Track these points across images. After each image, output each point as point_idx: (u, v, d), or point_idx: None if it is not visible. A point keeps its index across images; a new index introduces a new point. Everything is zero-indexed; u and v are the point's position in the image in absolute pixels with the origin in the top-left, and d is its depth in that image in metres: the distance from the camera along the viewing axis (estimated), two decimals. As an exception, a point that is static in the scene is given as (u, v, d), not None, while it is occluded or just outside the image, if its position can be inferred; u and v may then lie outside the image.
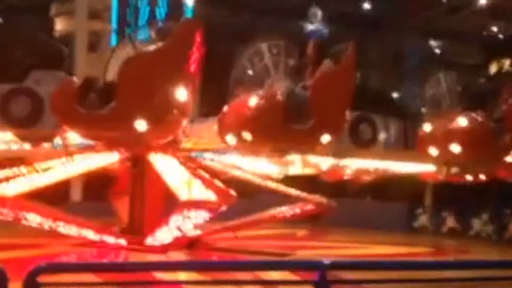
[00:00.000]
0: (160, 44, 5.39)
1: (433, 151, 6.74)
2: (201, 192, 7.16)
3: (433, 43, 25.76)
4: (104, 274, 2.82)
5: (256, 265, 2.74)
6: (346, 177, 12.45)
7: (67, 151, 9.68)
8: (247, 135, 5.44)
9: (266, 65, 6.01)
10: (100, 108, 5.32)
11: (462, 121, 6.50)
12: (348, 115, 6.78)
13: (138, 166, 9.48)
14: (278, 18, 20.35)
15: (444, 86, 7.60)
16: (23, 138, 6.58)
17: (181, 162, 8.78)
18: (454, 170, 9.31)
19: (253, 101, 5.38)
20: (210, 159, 10.63)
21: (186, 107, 5.50)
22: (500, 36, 24.99)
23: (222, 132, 5.85)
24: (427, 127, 6.97)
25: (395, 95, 21.32)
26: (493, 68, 20.76)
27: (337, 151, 6.83)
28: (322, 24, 22.76)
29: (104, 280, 2.76)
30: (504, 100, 6.95)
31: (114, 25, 12.72)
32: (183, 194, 7.17)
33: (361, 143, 6.80)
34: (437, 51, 24.01)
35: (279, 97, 5.41)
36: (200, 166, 10.59)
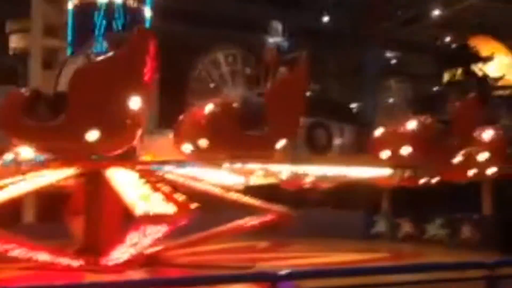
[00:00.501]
0: (112, 53, 5.37)
1: (385, 154, 6.92)
2: (159, 205, 7.05)
3: (389, 54, 26.48)
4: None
5: (211, 279, 2.71)
6: (305, 186, 12.58)
7: (19, 169, 9.44)
8: (203, 142, 5.45)
9: (223, 74, 6.05)
10: (50, 119, 5.22)
11: (411, 124, 6.71)
12: (304, 121, 6.91)
13: (93, 182, 9.33)
14: (237, 31, 20.52)
15: (397, 94, 7.84)
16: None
17: (139, 176, 8.68)
18: (407, 173, 9.56)
19: (209, 108, 5.40)
20: (170, 172, 10.56)
21: (140, 117, 5.46)
22: (453, 46, 25.85)
23: (178, 141, 5.85)
24: (379, 131, 7.17)
25: (353, 105, 21.73)
26: (446, 77, 21.44)
27: (294, 157, 6.91)
28: (282, 38, 23.15)
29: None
30: (452, 104, 7.21)
31: (69, 40, 12.54)
32: (140, 209, 7.04)
33: (317, 149, 6.91)
34: (394, 61, 24.66)
35: (235, 104, 5.46)
36: (159, 179, 10.50)
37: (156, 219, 7.24)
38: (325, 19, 25.16)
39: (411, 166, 7.39)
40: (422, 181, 11.14)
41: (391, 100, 7.26)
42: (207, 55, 6.03)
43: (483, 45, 24.04)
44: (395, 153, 6.89)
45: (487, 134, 7.82)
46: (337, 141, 7.08)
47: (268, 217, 10.36)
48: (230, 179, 12.14)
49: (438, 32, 26.31)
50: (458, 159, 7.39)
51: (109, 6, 10.27)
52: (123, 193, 7.65)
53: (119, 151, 5.80)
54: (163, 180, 10.76)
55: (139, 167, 9.48)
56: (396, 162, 6.99)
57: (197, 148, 5.59)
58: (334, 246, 11.79)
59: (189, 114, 5.71)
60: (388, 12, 25.26)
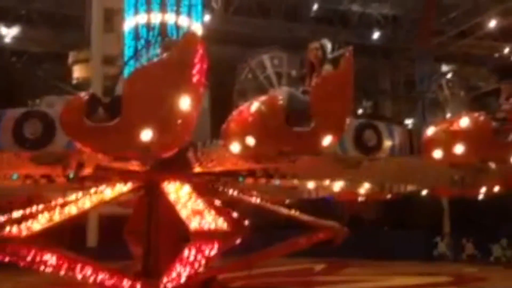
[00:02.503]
0: (162, 56, 5.64)
1: (438, 153, 6.78)
2: (213, 221, 7.10)
3: (445, 68, 25.95)
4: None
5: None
6: (361, 197, 12.40)
7: (81, 184, 9.90)
8: (250, 140, 5.57)
9: (269, 75, 6.20)
10: (108, 121, 5.52)
11: (464, 121, 6.56)
12: (352, 122, 6.90)
13: (150, 196, 9.61)
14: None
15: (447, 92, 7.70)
16: (37, 160, 6.81)
17: (193, 189, 8.87)
18: (466, 180, 9.26)
19: (255, 106, 5.54)
20: (223, 184, 10.71)
21: (191, 117, 5.67)
22: (512, 58, 25.03)
23: (226, 140, 6.00)
24: (430, 130, 7.04)
25: (407, 121, 21.37)
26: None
27: (343, 159, 6.89)
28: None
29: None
30: (507, 101, 7.01)
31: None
32: (194, 225, 7.11)
33: (366, 150, 6.88)
34: (449, 75, 24.13)
35: (280, 101, 5.57)
36: (213, 192, 10.67)
37: (210, 235, 7.34)
38: (376, 35, 25.08)
39: (468, 167, 7.18)
40: (483, 190, 10.75)
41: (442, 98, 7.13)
42: (253, 58, 6.22)
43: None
44: (448, 152, 6.73)
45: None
46: (387, 142, 7.00)
47: (322, 234, 10.28)
48: (282, 193, 12.19)
49: (495, 43, 25.64)
50: (516, 157, 7.12)
51: (162, 26, 10.75)
52: (178, 207, 7.84)
53: (173, 152, 6.02)
54: (217, 193, 10.95)
55: (193, 179, 9.71)
56: (449, 161, 6.82)
57: (245, 147, 5.72)
58: (393, 269, 11.49)
59: (236, 113, 5.87)
60: (441, 25, 24.87)
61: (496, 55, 25.92)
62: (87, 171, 8.95)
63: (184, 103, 5.49)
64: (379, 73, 26.43)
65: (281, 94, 5.81)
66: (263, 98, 5.60)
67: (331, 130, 5.65)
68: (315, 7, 24.11)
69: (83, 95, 5.68)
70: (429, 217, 19.51)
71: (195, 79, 5.60)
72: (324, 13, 24.44)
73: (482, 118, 6.70)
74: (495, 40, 25.71)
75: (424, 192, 21.94)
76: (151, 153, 5.82)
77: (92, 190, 9.76)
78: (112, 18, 20.13)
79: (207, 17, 21.51)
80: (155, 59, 5.83)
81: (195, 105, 5.63)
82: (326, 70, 6.01)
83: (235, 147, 5.85)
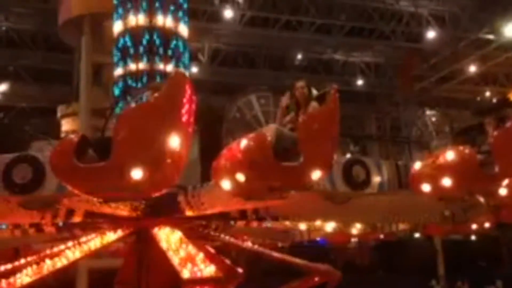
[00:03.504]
0: (151, 96, 5.75)
1: (426, 187, 6.88)
2: (205, 268, 7.05)
3: (429, 112, 26.51)
4: None
5: None
6: (354, 238, 12.34)
7: (71, 232, 9.78)
8: (240, 177, 5.62)
9: (256, 115, 6.35)
10: (98, 162, 5.55)
11: (450, 155, 6.69)
12: (340, 158, 7.02)
13: (142, 242, 9.50)
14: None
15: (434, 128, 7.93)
16: (27, 205, 6.77)
17: (184, 234, 8.80)
18: (457, 216, 9.32)
19: (243, 143, 5.62)
20: (215, 229, 10.63)
21: (180, 156, 5.72)
22: (493, 100, 25.70)
23: (217, 178, 6.04)
24: (417, 165, 7.16)
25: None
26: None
27: (333, 196, 6.95)
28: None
29: None
30: (491, 133, 7.19)
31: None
32: (186, 272, 7.05)
33: (355, 185, 6.96)
34: (433, 119, 24.59)
35: (268, 137, 5.66)
36: (204, 237, 10.56)
37: (203, 283, 7.25)
38: (360, 82, 25.67)
39: (457, 202, 7.26)
40: (474, 226, 10.77)
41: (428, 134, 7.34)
42: (241, 98, 6.40)
43: (524, 98, 23.79)
44: (436, 185, 6.82)
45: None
46: (375, 178, 7.10)
47: (316, 278, 10.17)
48: (275, 236, 12.11)
49: (476, 87, 26.35)
50: (504, 190, 7.22)
51: (150, 76, 10.96)
52: (169, 254, 7.77)
53: (163, 191, 6.02)
54: (209, 238, 10.83)
55: (184, 224, 9.63)
56: (438, 194, 6.90)
57: (235, 183, 5.75)
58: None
59: (225, 151, 5.94)
60: (423, 71, 25.57)
61: (478, 98, 26.61)
62: (76, 218, 8.88)
63: (174, 142, 5.55)
64: (365, 118, 26.92)
65: (268, 131, 5.92)
66: (251, 135, 5.69)
67: (319, 165, 5.72)
68: (299, 56, 24.80)
69: (73, 136, 5.73)
70: (423, 260, 19.37)
71: (184, 118, 5.69)
72: (308, 62, 25.11)
73: (467, 151, 6.84)
74: (476, 85, 26.46)
75: (417, 235, 21.88)
76: (141, 193, 5.83)
77: (82, 239, 9.64)
78: (100, 71, 20.45)
79: (194, 69, 21.97)
80: (144, 99, 5.94)
81: (184, 144, 5.69)
82: (313, 107, 6.16)
83: (226, 184, 5.88)
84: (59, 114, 23.78)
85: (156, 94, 5.60)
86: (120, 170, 5.46)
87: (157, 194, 6.21)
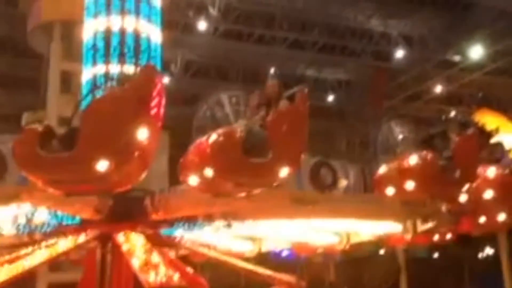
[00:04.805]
0: (120, 88, 5.71)
1: (390, 190, 7.03)
2: (168, 276, 6.95)
3: (397, 129, 27.09)
4: None
5: None
6: (318, 250, 12.37)
7: (32, 237, 9.50)
8: (208, 172, 5.60)
9: (227, 114, 6.38)
10: (63, 152, 5.45)
11: (413, 159, 6.89)
12: (307, 160, 7.09)
13: (107, 247, 9.30)
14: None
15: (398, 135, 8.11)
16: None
17: (148, 240, 8.67)
18: (419, 226, 9.50)
19: (212, 138, 5.62)
20: (181, 237, 10.50)
21: (149, 150, 5.67)
22: (459, 119, 26.32)
23: (184, 173, 6.01)
24: (382, 169, 7.31)
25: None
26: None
27: (301, 197, 7.00)
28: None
29: None
30: (453, 140, 7.42)
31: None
32: (150, 279, 6.95)
33: (322, 188, 7.04)
34: (401, 136, 25.11)
35: (238, 133, 5.68)
36: (169, 244, 10.41)
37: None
38: (330, 98, 25.98)
39: (420, 204, 7.41)
40: (436, 237, 10.96)
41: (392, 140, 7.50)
42: (212, 97, 6.43)
43: (488, 119, 24.50)
44: (399, 189, 6.97)
45: (492, 171, 7.90)
46: (343, 182, 7.20)
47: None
48: (241, 245, 12.06)
49: (441, 107, 26.95)
50: (464, 197, 7.43)
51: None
52: (132, 260, 7.64)
53: (130, 185, 5.94)
54: (173, 245, 10.68)
55: (149, 230, 9.48)
56: (401, 197, 7.04)
57: (203, 179, 5.73)
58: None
59: (194, 146, 5.93)
60: (391, 90, 26.07)
61: (443, 117, 27.25)
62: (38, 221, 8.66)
63: (142, 135, 5.51)
64: (336, 134, 27.23)
65: (238, 127, 5.95)
66: (220, 130, 5.70)
67: (287, 162, 5.76)
68: (272, 70, 24.97)
69: (38, 126, 5.62)
70: (388, 277, 19.59)
71: (153, 112, 5.66)
72: (281, 77, 25.30)
73: (429, 156, 7.02)
74: (442, 104, 27.12)
75: (382, 251, 22.05)
76: (107, 186, 5.74)
77: (43, 244, 9.38)
78: (69, 79, 20.12)
79: (165, 79, 21.89)
80: (112, 90, 5.90)
81: (153, 138, 5.66)
82: (283, 105, 6.23)
83: (193, 180, 5.86)
84: (24, 121, 23.19)
85: (125, 86, 5.57)
86: (85, 161, 5.38)
87: (123, 189, 6.14)
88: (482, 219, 9.14)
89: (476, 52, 23.19)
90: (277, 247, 12.51)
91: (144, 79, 5.64)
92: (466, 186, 7.08)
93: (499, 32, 21.98)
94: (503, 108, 26.90)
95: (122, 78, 6.24)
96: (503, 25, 21.69)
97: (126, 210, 8.84)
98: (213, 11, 21.32)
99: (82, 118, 5.47)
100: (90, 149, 5.44)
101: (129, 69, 10.48)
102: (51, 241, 9.20)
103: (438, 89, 26.14)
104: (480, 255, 24.48)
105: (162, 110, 5.83)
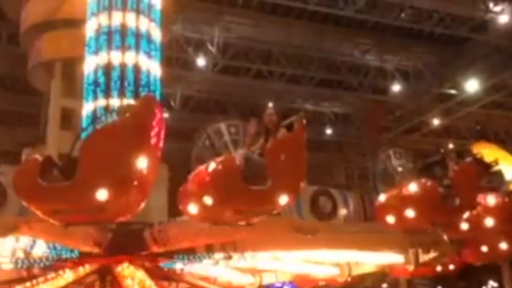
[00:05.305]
0: (120, 117, 5.76)
1: (390, 218, 7.01)
2: None
3: (395, 162, 27.15)
4: None
5: None
6: (320, 283, 12.22)
7: (30, 272, 9.39)
8: (208, 200, 5.60)
9: (226, 142, 6.43)
10: (63, 182, 5.47)
11: (412, 187, 6.90)
12: (307, 189, 7.09)
13: (106, 280, 9.20)
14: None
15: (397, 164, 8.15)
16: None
17: (148, 274, 8.59)
18: (421, 256, 9.42)
19: (212, 166, 5.64)
20: (181, 269, 10.38)
21: (148, 179, 5.69)
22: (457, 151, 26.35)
23: (184, 202, 6.00)
24: (382, 197, 7.31)
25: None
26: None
27: (301, 226, 6.97)
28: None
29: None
30: (452, 168, 7.45)
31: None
32: None
33: (322, 216, 7.02)
34: (400, 169, 25.17)
35: (237, 161, 5.71)
36: (169, 277, 10.29)
37: None
38: (329, 131, 26.08)
39: (421, 232, 7.37)
40: (439, 268, 10.85)
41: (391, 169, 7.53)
42: (210, 126, 6.49)
43: (486, 152, 24.57)
44: (400, 217, 6.95)
45: (492, 199, 7.90)
46: (342, 210, 7.19)
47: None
48: (242, 278, 11.90)
49: (439, 140, 27.06)
50: (465, 225, 7.41)
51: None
52: None
53: (129, 215, 5.93)
54: (173, 278, 10.54)
55: (149, 263, 9.38)
56: (402, 226, 7.01)
57: (202, 207, 5.72)
58: None
59: (193, 175, 5.94)
60: (389, 122, 26.20)
61: (442, 150, 27.34)
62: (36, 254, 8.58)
63: (141, 164, 5.53)
64: (334, 167, 27.24)
65: (237, 155, 5.98)
66: (220, 158, 5.73)
67: (287, 189, 5.77)
68: (270, 105, 25.18)
69: (38, 156, 5.65)
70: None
71: (152, 141, 5.70)
72: (279, 110, 25.49)
73: (429, 183, 7.04)
74: (439, 137, 27.25)
75: (385, 285, 21.68)
76: (106, 215, 5.72)
77: (40, 279, 9.27)
78: (69, 116, 20.20)
79: (165, 114, 21.99)
80: (112, 121, 5.95)
81: (152, 167, 5.68)
82: (281, 133, 6.28)
83: (192, 209, 5.85)
84: (24, 158, 23.16)
85: (125, 115, 5.62)
86: (84, 189, 5.39)
87: (122, 219, 6.12)
88: (484, 248, 9.08)
89: (472, 86, 23.44)
90: (278, 280, 12.33)
91: (144, 108, 5.70)
92: (466, 214, 7.06)
93: (494, 66, 22.30)
94: (501, 141, 27.05)
95: (122, 108, 6.32)
96: (498, 60, 22.02)
97: (125, 243, 8.78)
98: (211, 48, 21.64)
99: (82, 147, 5.50)
100: (90, 178, 5.45)
101: (129, 102, 10.59)
102: (50, 275, 9.10)
103: (435, 122, 26.31)
104: (483, 288, 24.16)
105: (161, 140, 5.87)
